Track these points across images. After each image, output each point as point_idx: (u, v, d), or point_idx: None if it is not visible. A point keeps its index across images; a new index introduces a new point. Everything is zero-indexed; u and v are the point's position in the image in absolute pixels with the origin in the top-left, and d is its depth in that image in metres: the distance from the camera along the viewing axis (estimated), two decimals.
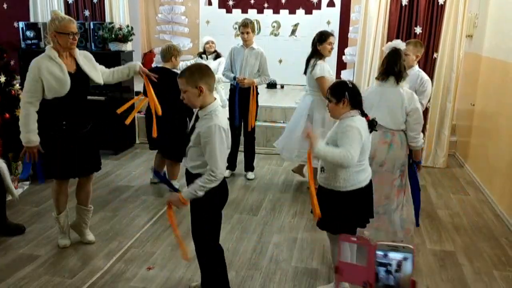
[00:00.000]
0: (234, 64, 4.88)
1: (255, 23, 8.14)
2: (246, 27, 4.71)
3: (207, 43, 6.03)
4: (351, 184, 2.65)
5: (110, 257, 3.35)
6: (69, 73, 3.09)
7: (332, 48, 4.34)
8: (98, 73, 3.32)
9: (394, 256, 1.79)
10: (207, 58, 5.96)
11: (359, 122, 2.61)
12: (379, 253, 1.81)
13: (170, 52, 4.43)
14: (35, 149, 3.08)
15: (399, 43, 3.30)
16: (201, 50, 6.18)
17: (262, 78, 4.86)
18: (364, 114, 2.68)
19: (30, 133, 3.03)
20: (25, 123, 3.03)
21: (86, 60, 3.24)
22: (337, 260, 1.89)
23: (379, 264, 1.81)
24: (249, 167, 5.13)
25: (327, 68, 4.28)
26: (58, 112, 3.13)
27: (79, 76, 3.16)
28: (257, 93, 4.88)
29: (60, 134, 3.16)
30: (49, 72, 3.01)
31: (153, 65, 8.14)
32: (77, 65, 3.18)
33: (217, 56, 5.88)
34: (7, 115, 4.42)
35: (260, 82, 4.85)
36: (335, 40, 4.41)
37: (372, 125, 2.68)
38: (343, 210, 2.69)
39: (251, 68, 4.80)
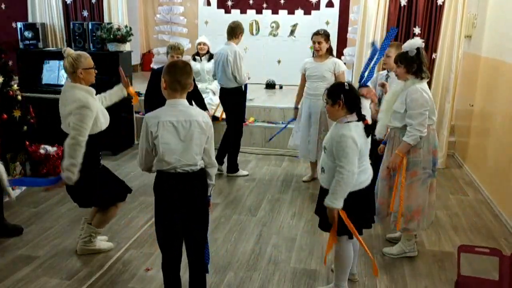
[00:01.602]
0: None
1: (254, 23, 8.21)
2: None
3: (198, 44, 6.02)
4: (352, 185, 2.64)
5: (108, 258, 3.34)
6: None
7: (316, 47, 4.58)
8: None
9: None
10: (200, 60, 5.95)
11: (354, 130, 2.59)
12: None
13: (167, 51, 4.49)
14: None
15: (419, 42, 3.26)
16: (196, 51, 6.18)
17: None
18: (362, 118, 2.66)
19: (77, 168, 2.95)
20: (78, 160, 2.95)
21: None
22: (457, 274, 1.62)
23: None
24: (232, 168, 5.20)
25: (303, 64, 4.77)
26: (98, 145, 3.20)
27: None
28: None
29: (99, 166, 3.26)
30: (98, 108, 3.09)
31: (153, 65, 8.15)
32: None
33: (211, 57, 5.87)
34: (5, 116, 4.41)
35: None
36: (319, 39, 4.55)
37: (369, 129, 2.67)
38: (346, 211, 2.67)
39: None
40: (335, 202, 2.57)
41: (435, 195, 3.45)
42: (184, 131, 2.39)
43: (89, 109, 2.98)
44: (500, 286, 1.55)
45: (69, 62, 3.05)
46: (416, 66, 3.17)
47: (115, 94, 3.51)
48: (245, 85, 4.98)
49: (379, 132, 3.35)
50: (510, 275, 1.51)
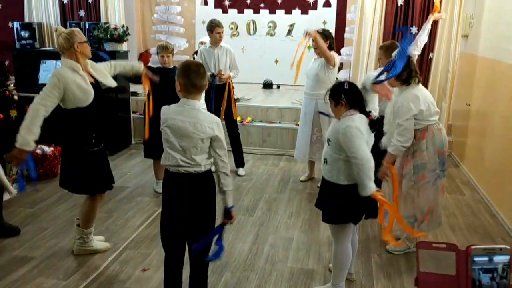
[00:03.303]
0: (207, 64, 4.96)
1: (251, 23, 8.21)
2: (222, 27, 4.92)
3: (200, 43, 6.07)
4: (351, 178, 2.64)
5: (105, 258, 3.33)
6: (91, 84, 3.14)
7: (313, 45, 4.57)
8: (108, 77, 3.34)
9: (501, 259, 1.55)
10: None
11: (358, 121, 2.61)
12: (482, 259, 1.54)
13: (157, 51, 4.47)
14: (26, 154, 2.89)
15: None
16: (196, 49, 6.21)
17: (235, 71, 5.09)
18: (365, 113, 2.66)
19: (31, 136, 2.87)
20: (29, 124, 2.87)
21: (94, 70, 3.25)
22: (417, 271, 1.68)
23: (484, 271, 1.54)
24: (239, 163, 5.21)
25: (310, 65, 4.70)
26: (88, 125, 3.13)
27: (97, 87, 3.20)
28: (233, 87, 5.14)
29: (91, 148, 3.16)
30: (75, 83, 3.02)
31: (150, 65, 8.13)
32: (92, 77, 3.20)
33: None
34: (1, 116, 4.39)
35: (234, 75, 5.09)
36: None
37: (375, 124, 2.66)
38: (345, 202, 2.68)
39: (223, 65, 4.98)
40: (367, 189, 2.56)
41: (442, 196, 3.42)
42: (187, 133, 2.38)
43: (56, 78, 2.95)
44: (457, 280, 1.60)
45: (64, 38, 3.03)
46: (406, 74, 3.16)
47: (123, 66, 3.56)
48: (213, 82, 4.92)
49: (385, 143, 3.32)
50: (466, 269, 1.57)
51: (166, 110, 2.45)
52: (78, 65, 3.08)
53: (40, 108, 2.90)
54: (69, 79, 2.99)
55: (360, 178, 2.56)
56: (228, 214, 2.50)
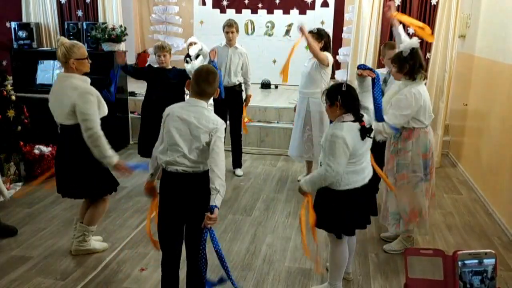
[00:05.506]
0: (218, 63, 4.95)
1: (249, 23, 8.22)
2: (231, 27, 4.88)
3: (190, 44, 5.97)
4: (345, 184, 2.65)
5: (103, 258, 3.34)
6: None
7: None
8: None
9: (490, 261, 1.59)
10: (191, 60, 5.90)
11: (346, 129, 2.58)
12: (472, 261, 1.59)
13: (154, 52, 4.47)
14: (122, 163, 3.09)
15: (415, 42, 3.27)
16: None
17: (248, 83, 5.14)
18: (359, 119, 2.63)
19: (110, 151, 3.05)
20: (103, 149, 3.02)
21: None
22: (405, 277, 1.71)
23: (475, 274, 1.59)
24: (237, 164, 5.25)
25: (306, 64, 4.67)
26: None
27: None
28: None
29: None
30: (97, 93, 3.10)
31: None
32: None
33: (198, 54, 5.83)
34: None
35: (248, 88, 5.17)
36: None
37: (365, 131, 2.62)
38: (337, 209, 2.69)
39: (235, 66, 4.96)
40: (306, 186, 2.68)
41: (428, 201, 3.39)
42: (190, 126, 2.40)
43: (90, 94, 2.99)
44: (445, 285, 1.65)
45: (62, 52, 3.02)
46: (408, 66, 3.16)
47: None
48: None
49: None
50: (453, 274, 1.61)
51: (172, 106, 2.51)
52: (87, 78, 3.10)
53: (97, 129, 3.00)
54: (96, 92, 3.05)
55: (315, 176, 2.67)
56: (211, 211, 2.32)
